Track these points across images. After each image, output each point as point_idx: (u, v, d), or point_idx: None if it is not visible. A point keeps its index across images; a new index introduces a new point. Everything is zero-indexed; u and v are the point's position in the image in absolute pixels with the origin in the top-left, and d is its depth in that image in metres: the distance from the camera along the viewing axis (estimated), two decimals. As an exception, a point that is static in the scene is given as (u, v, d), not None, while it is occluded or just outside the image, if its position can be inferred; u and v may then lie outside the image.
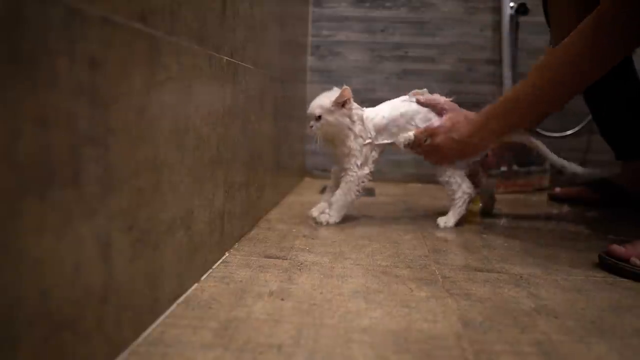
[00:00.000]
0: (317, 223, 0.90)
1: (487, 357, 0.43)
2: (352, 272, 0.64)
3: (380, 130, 0.92)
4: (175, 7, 0.49)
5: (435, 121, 0.93)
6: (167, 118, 0.47)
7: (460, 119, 0.91)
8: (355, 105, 0.91)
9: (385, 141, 0.93)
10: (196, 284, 0.57)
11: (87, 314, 0.35)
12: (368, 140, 0.91)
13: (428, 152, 0.94)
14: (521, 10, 1.45)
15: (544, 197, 1.34)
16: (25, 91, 0.28)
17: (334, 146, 0.92)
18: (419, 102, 0.95)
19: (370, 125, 0.91)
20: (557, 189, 1.30)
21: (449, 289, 0.59)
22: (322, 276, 0.62)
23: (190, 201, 0.54)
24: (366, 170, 0.91)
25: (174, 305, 0.51)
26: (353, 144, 0.89)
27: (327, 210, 0.92)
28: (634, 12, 0.70)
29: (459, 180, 0.93)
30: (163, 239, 0.47)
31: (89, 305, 0.36)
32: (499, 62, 1.51)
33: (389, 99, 0.97)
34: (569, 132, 1.49)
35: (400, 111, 0.93)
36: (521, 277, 0.65)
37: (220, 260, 0.66)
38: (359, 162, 0.90)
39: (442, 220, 0.93)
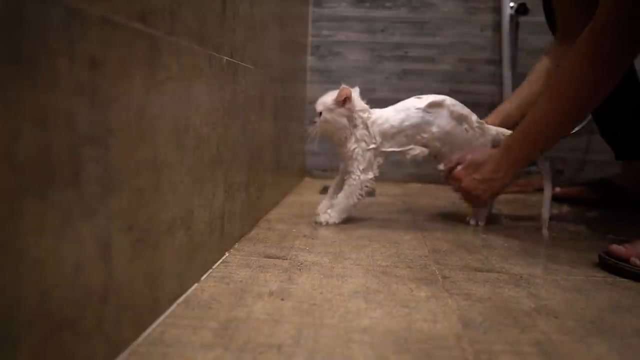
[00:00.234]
0: (317, 223, 0.91)
1: (487, 357, 0.43)
2: (352, 272, 0.64)
3: (387, 137, 0.91)
4: (175, 7, 0.49)
5: (460, 159, 0.93)
6: (167, 118, 0.47)
7: (479, 158, 0.91)
8: (362, 106, 0.90)
9: (392, 149, 0.91)
10: (196, 284, 0.57)
11: (87, 314, 0.35)
12: (372, 146, 0.90)
13: (463, 196, 0.96)
14: (521, 10, 1.45)
15: (544, 197, 1.34)
16: (25, 91, 0.28)
17: (337, 146, 0.92)
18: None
19: (376, 131, 0.90)
20: (557, 189, 1.30)
21: (449, 289, 0.59)
22: (322, 276, 0.62)
23: (190, 201, 0.54)
24: (370, 175, 0.90)
25: (174, 305, 0.51)
26: (354, 147, 0.89)
27: (328, 210, 0.92)
28: (632, 20, 0.71)
29: None
30: (163, 239, 0.47)
31: (89, 305, 0.36)
32: (499, 62, 1.51)
33: (389, 99, 0.97)
34: (568, 132, 1.49)
35: (412, 122, 0.91)
36: (521, 277, 0.65)
37: (220, 260, 0.66)
38: (361, 167, 0.89)
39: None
